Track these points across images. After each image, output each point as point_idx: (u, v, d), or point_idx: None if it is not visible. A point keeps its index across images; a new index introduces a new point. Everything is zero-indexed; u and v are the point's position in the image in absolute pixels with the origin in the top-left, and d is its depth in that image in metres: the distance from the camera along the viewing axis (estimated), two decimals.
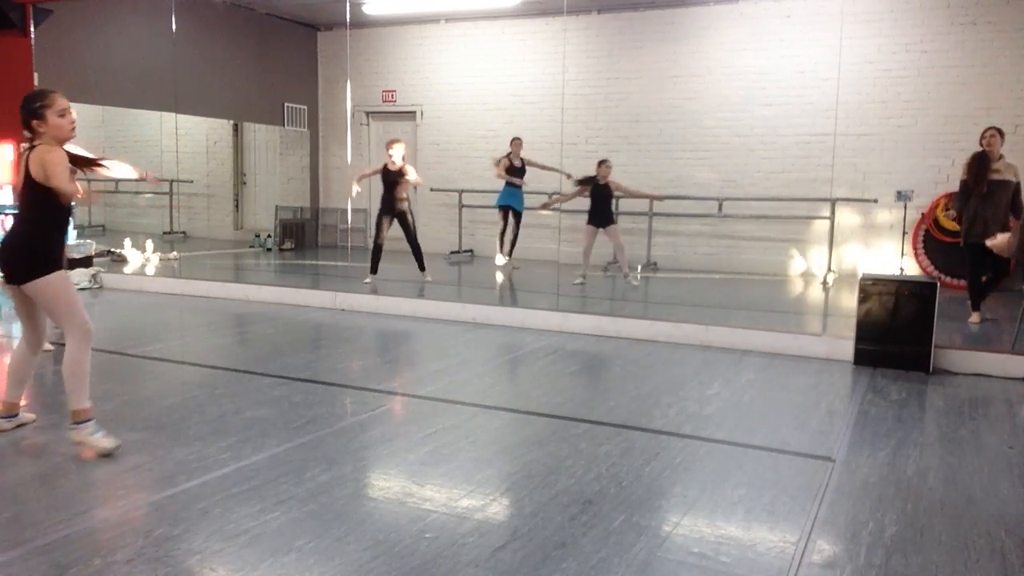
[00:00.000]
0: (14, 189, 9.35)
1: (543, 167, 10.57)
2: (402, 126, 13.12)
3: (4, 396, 3.99)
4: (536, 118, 11.76)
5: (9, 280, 3.79)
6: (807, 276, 10.44)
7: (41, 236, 3.75)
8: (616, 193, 9.49)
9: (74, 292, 3.85)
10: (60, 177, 3.60)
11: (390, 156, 8.89)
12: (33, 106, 3.68)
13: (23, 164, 3.70)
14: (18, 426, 4.04)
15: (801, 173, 10.48)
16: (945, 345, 5.84)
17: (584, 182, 9.27)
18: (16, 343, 4.03)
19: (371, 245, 9.09)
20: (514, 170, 10.61)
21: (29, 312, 3.90)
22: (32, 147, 3.72)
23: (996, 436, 4.37)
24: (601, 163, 9.22)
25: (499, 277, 10.37)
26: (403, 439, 4.05)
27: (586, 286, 8.95)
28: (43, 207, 3.71)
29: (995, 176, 7.02)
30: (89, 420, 3.74)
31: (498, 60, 12.24)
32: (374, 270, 8.98)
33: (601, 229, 9.19)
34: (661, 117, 11.23)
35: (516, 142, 10.68)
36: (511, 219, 10.66)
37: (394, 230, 8.94)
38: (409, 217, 9.04)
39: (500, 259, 10.79)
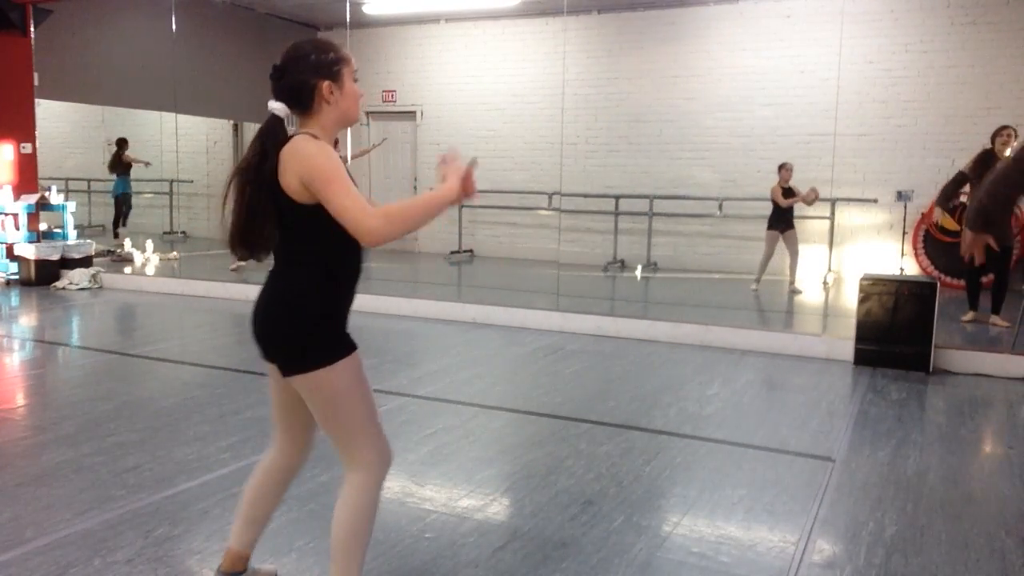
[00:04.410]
0: (13, 189, 9.34)
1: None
2: (402, 126, 13.11)
3: (231, 542, 2.45)
4: (536, 118, 11.76)
5: (266, 357, 2.24)
6: (806, 276, 10.43)
7: (311, 294, 2.13)
8: None
9: (367, 392, 2.22)
10: (349, 198, 2.01)
11: None
12: (326, 59, 2.13)
13: (262, 168, 2.09)
14: None
15: (801, 173, 10.42)
16: (945, 345, 5.84)
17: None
18: (263, 459, 2.46)
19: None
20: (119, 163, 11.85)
21: (293, 409, 2.32)
22: (281, 137, 2.10)
23: (996, 436, 4.37)
24: None
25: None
26: (403, 439, 4.05)
27: (586, 286, 8.95)
28: (314, 244, 2.13)
29: None
30: None
31: (498, 60, 12.24)
32: None
33: None
34: (661, 117, 11.23)
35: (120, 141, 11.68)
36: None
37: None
38: None
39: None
